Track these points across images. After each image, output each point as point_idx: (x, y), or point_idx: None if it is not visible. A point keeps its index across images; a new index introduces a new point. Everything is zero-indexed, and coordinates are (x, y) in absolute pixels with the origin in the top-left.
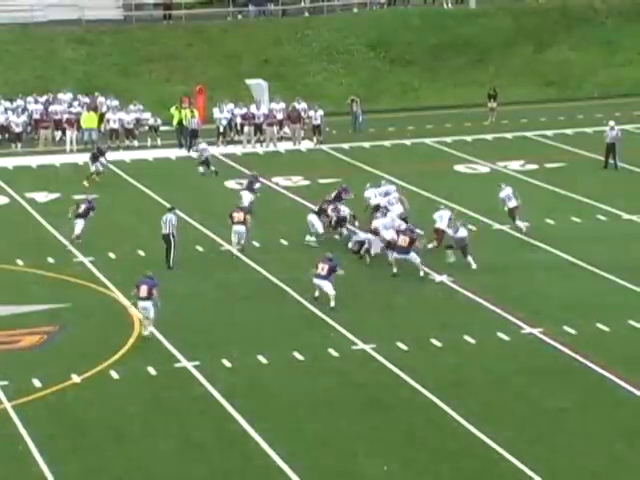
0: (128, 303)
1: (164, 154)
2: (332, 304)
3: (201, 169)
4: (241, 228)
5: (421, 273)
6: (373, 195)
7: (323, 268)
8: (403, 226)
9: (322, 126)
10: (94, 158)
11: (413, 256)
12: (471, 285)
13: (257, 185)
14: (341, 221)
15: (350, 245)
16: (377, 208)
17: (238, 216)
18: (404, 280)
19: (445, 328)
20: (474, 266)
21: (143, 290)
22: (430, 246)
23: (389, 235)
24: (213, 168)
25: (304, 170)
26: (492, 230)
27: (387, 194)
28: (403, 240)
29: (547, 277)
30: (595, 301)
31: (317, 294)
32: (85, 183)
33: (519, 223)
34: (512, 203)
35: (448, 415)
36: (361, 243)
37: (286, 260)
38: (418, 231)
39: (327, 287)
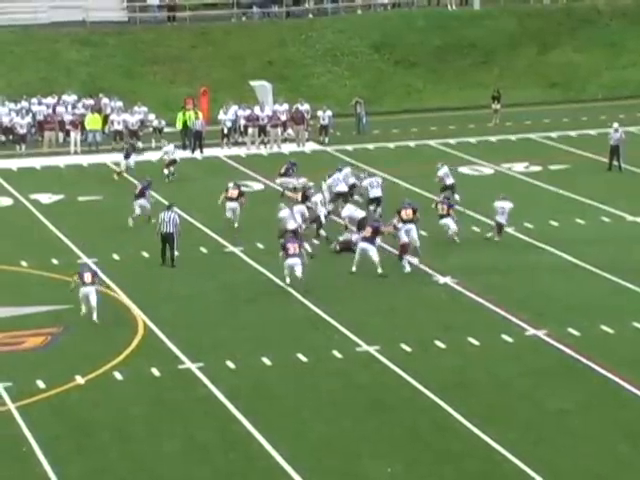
0: (132, 304)
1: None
2: (300, 275)
3: (166, 171)
4: (234, 204)
5: (379, 270)
6: (335, 183)
7: (295, 247)
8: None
9: (330, 126)
10: (127, 155)
11: (374, 252)
12: (475, 286)
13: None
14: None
15: (333, 245)
16: (343, 195)
17: (232, 193)
18: (407, 282)
19: (449, 330)
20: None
21: (87, 277)
22: (489, 235)
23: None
24: (172, 169)
25: (308, 172)
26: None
27: (346, 177)
28: (367, 230)
29: (551, 279)
30: (599, 303)
31: (288, 280)
32: (115, 177)
33: (457, 197)
34: (449, 180)
35: (452, 417)
36: (346, 243)
37: None
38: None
39: (299, 268)
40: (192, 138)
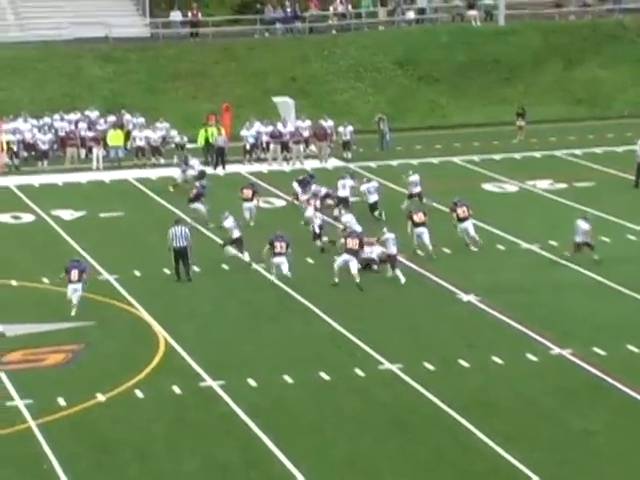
0: (153, 321)
1: (190, 172)
2: (288, 274)
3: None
4: (250, 204)
5: (357, 280)
6: (341, 187)
7: (282, 246)
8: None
9: (352, 142)
10: (183, 171)
11: (354, 264)
12: (499, 304)
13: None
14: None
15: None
16: (344, 201)
17: (247, 193)
18: (430, 299)
19: (472, 348)
20: None
21: (74, 274)
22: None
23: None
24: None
25: (330, 188)
26: (520, 249)
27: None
28: (354, 242)
29: (576, 297)
30: (625, 322)
31: (274, 278)
32: (170, 189)
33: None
34: (416, 189)
35: (475, 436)
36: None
37: (312, 278)
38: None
39: (285, 266)
40: (214, 154)
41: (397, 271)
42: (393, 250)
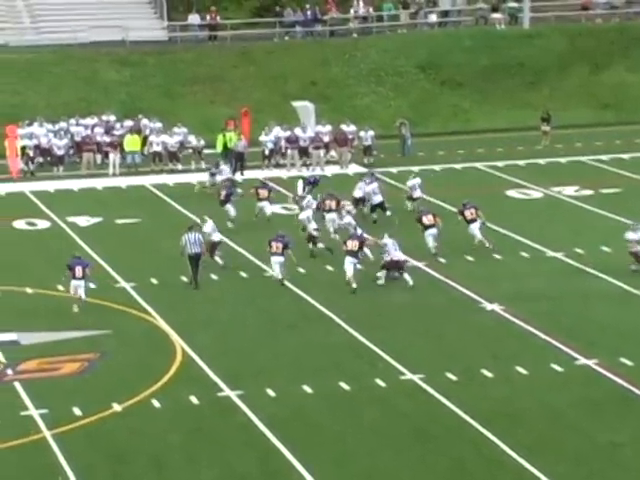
0: (170, 330)
1: (219, 177)
2: (281, 276)
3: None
4: (265, 204)
5: (353, 285)
6: (358, 188)
7: (278, 247)
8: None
9: (373, 147)
10: (213, 173)
11: (352, 266)
12: (523, 313)
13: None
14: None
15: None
16: (361, 201)
17: (262, 193)
18: (453, 308)
19: (496, 358)
20: None
21: (78, 271)
22: (634, 268)
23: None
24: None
25: (351, 195)
26: (545, 257)
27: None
28: (353, 244)
29: (602, 306)
30: None
31: (274, 274)
32: (195, 189)
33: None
34: (417, 193)
35: (499, 448)
36: (393, 263)
37: (332, 286)
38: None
39: (277, 267)
40: (233, 159)
41: (405, 275)
42: (396, 255)
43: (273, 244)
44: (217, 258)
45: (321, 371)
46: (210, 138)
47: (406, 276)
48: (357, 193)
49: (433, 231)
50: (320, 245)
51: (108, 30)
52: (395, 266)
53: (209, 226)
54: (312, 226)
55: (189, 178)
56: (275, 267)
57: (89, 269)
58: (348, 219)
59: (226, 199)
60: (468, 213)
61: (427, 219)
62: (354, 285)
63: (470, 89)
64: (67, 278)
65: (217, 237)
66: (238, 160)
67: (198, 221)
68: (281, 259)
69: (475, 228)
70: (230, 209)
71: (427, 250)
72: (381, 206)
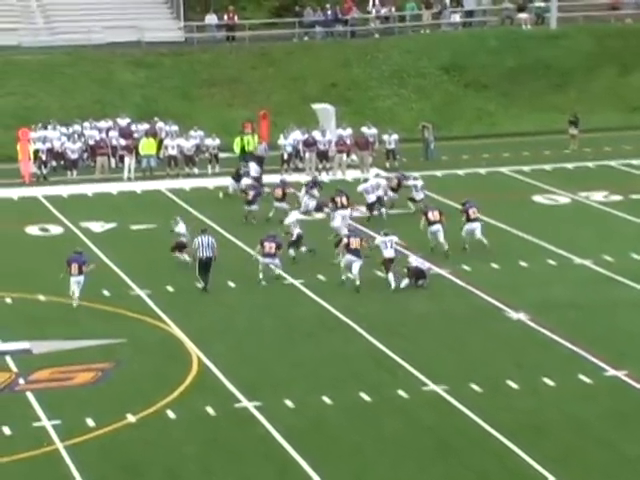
0: (186, 339)
1: (226, 182)
2: (278, 272)
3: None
4: (282, 204)
5: (357, 282)
6: (366, 191)
7: (271, 247)
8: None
9: (396, 151)
10: (238, 177)
11: (357, 265)
12: (550, 322)
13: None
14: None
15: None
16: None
17: (277, 192)
18: (478, 317)
19: (522, 369)
20: None
21: (74, 268)
22: None
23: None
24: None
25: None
26: (573, 264)
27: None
28: (356, 243)
29: (632, 315)
30: None
31: (261, 276)
32: (220, 195)
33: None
34: (419, 195)
35: (524, 462)
36: (418, 271)
37: (353, 294)
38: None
39: (273, 266)
40: (254, 163)
41: (390, 275)
42: (386, 253)
43: (266, 244)
44: (186, 255)
45: (341, 381)
46: (228, 141)
47: (390, 276)
48: (371, 198)
49: (437, 227)
50: (303, 248)
51: (123, 31)
52: (387, 264)
53: (182, 227)
54: (297, 231)
55: (206, 183)
56: (271, 267)
57: (86, 266)
58: (337, 222)
59: (253, 199)
60: (471, 212)
61: (432, 215)
62: (357, 283)
63: (495, 91)
64: (66, 274)
65: (184, 239)
66: (258, 164)
67: (218, 228)
68: (272, 259)
69: (477, 227)
70: (256, 209)
71: (435, 247)
72: (379, 201)
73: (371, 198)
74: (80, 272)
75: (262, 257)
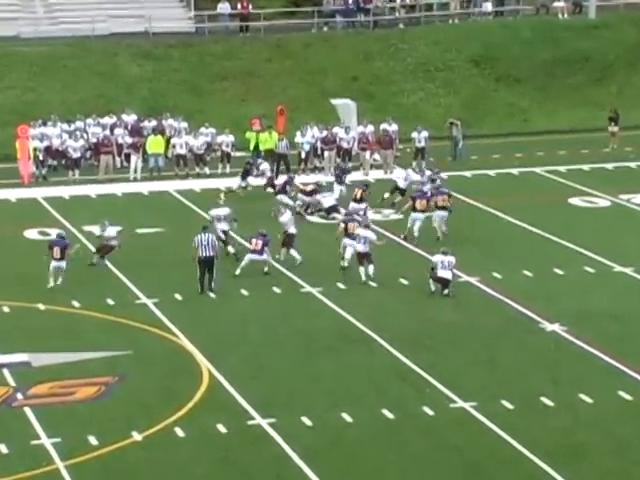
0: (196, 351)
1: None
2: (265, 269)
3: (270, 190)
4: (306, 197)
5: (345, 264)
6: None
7: (257, 244)
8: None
9: (427, 149)
10: (245, 175)
11: (350, 250)
12: (587, 335)
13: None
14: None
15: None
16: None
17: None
18: (510, 329)
19: (557, 384)
20: None
21: (56, 251)
22: None
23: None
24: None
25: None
26: (613, 273)
27: (407, 178)
28: (354, 227)
29: None
30: None
31: (238, 271)
32: (221, 196)
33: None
34: (403, 184)
35: None
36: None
37: (375, 304)
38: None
39: (263, 259)
40: (275, 162)
41: (360, 268)
42: (441, 274)
43: (253, 241)
44: (107, 261)
45: (362, 397)
46: (241, 139)
47: (360, 269)
48: (400, 183)
49: (418, 215)
50: (230, 248)
51: (129, 21)
52: (361, 257)
53: (111, 230)
54: (291, 230)
55: (217, 183)
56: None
57: (69, 249)
58: (286, 217)
59: (282, 189)
60: (440, 199)
61: (420, 204)
62: (345, 264)
63: (529, 86)
64: (48, 257)
65: (115, 242)
66: (280, 162)
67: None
68: (258, 256)
69: (443, 217)
70: (286, 199)
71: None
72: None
73: (401, 184)
74: (62, 257)
75: (250, 253)
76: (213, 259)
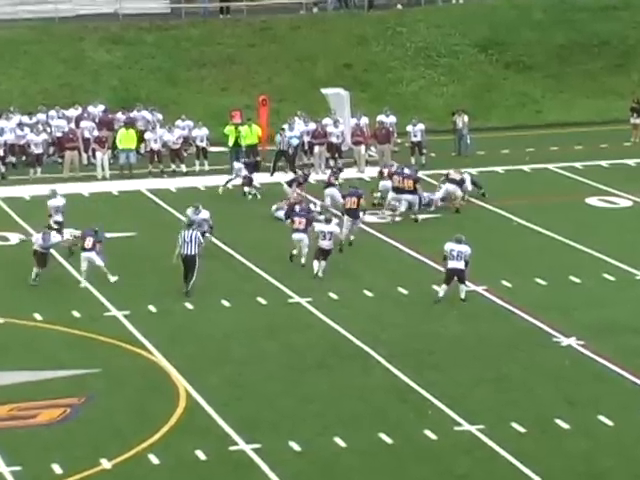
0: (172, 369)
1: (218, 181)
2: (303, 261)
3: (247, 189)
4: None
5: (341, 237)
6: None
7: (301, 222)
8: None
9: (423, 143)
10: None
11: (348, 225)
12: (606, 350)
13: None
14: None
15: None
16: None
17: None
18: (521, 343)
19: (574, 405)
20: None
21: (88, 242)
22: None
23: None
24: (258, 185)
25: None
26: (635, 280)
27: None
28: (352, 202)
29: None
30: None
31: (295, 251)
32: (219, 190)
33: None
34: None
35: None
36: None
37: (371, 316)
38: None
39: (305, 241)
40: (274, 158)
41: (315, 262)
42: (451, 264)
43: (297, 219)
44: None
45: (357, 420)
46: (220, 133)
47: (315, 263)
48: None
49: (408, 197)
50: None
51: (97, 1)
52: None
53: (38, 238)
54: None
55: (195, 182)
56: (304, 243)
57: (101, 244)
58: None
59: (330, 183)
60: (398, 179)
61: (351, 202)
62: (342, 240)
63: (541, 73)
64: (28, 239)
65: (44, 250)
66: (287, 158)
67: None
68: (305, 236)
69: (405, 199)
70: (334, 193)
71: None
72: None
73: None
74: (93, 247)
75: (293, 232)
76: (195, 257)
